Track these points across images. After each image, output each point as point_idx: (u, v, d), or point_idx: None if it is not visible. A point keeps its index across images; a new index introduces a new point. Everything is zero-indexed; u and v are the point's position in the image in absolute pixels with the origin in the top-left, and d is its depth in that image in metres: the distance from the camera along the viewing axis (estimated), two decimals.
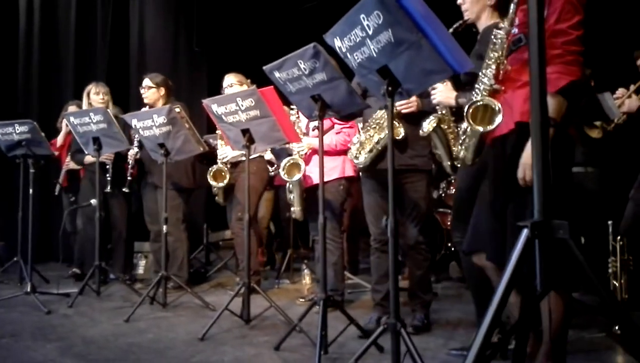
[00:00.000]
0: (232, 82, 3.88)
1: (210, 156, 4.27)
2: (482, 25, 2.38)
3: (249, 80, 3.93)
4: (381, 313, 2.98)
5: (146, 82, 4.18)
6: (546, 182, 1.41)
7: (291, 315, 3.07)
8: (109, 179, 4.26)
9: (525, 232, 1.40)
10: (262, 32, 7.13)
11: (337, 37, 2.07)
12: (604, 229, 3.02)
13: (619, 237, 2.86)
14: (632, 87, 3.46)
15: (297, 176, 3.41)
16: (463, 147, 2.07)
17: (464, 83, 2.31)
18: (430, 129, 2.40)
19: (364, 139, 2.91)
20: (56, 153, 4.67)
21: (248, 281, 3.07)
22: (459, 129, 2.14)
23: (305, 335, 2.74)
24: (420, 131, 2.44)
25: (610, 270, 2.98)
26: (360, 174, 3.18)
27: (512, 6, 1.96)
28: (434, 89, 2.45)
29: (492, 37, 1.97)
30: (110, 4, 6.32)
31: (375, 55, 1.94)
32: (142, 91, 4.19)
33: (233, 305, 3.07)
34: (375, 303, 3.05)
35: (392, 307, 1.95)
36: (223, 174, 3.89)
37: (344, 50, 2.07)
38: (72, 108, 4.82)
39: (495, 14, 2.38)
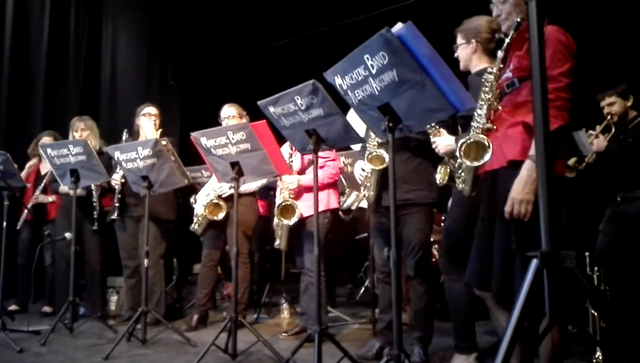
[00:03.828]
0: (231, 114, 3.88)
1: (184, 191, 4.24)
2: (473, 71, 2.56)
3: (245, 113, 3.95)
4: (382, 342, 3.04)
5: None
6: (552, 213, 1.49)
7: (276, 349, 3.04)
8: (95, 215, 4.15)
9: (535, 262, 1.47)
10: (237, 66, 7.24)
11: (338, 75, 2.14)
12: (581, 261, 3.14)
13: (595, 268, 2.99)
14: (598, 128, 3.69)
15: (294, 220, 3.42)
16: (460, 180, 2.17)
17: (463, 125, 2.43)
18: (445, 180, 2.47)
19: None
20: (28, 184, 4.52)
21: (235, 315, 3.02)
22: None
23: None
24: (438, 182, 2.50)
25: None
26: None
27: (499, 52, 2.11)
28: (434, 142, 2.56)
29: (483, 79, 2.10)
30: (84, 35, 6.26)
31: (377, 93, 2.00)
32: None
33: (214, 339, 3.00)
34: (378, 331, 3.12)
35: (395, 338, 1.97)
36: (221, 206, 3.86)
37: (344, 87, 2.14)
38: (46, 138, 4.69)
39: (484, 59, 2.54)
